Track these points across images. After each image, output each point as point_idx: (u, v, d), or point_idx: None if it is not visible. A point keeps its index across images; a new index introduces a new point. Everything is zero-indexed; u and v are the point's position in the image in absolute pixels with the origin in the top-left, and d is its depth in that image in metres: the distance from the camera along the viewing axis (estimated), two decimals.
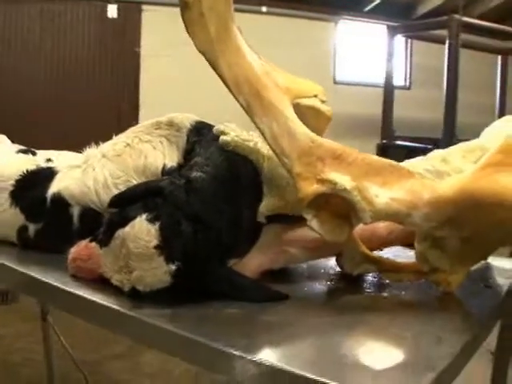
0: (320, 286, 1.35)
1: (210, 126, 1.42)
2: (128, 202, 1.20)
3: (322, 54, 8.52)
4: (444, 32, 6.52)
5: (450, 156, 1.42)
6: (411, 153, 6.43)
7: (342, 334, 1.09)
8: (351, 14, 8.75)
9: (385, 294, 1.31)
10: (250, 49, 1.20)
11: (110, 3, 7.05)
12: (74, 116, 6.96)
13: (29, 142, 1.79)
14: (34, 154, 1.69)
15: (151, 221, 1.14)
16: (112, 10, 7.07)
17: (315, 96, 1.36)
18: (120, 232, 1.16)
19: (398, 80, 8.54)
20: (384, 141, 7.23)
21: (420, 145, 6.84)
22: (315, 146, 1.14)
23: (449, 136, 6.39)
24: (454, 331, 1.11)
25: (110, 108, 7.27)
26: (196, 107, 6.88)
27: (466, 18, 6.19)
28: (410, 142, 7.12)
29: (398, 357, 1.03)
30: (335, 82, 8.55)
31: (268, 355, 0.96)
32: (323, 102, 1.38)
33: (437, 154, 1.46)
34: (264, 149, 1.31)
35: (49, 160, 1.62)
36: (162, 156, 1.40)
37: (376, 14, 8.73)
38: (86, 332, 3.79)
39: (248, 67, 1.16)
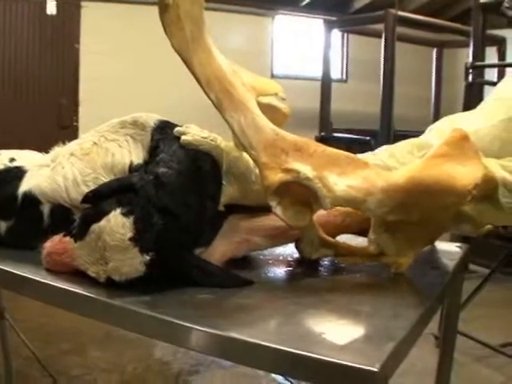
0: (281, 271, 1.45)
1: (172, 125, 1.50)
2: (101, 198, 1.28)
3: (259, 48, 8.60)
4: (380, 26, 6.66)
5: (397, 151, 1.53)
6: (349, 144, 6.60)
7: (308, 313, 1.20)
8: (288, 9, 8.85)
9: (342, 277, 1.42)
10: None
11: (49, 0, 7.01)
12: (15, 113, 6.90)
13: None
14: None
15: (125, 215, 1.22)
16: (51, 7, 7.02)
17: (276, 94, 1.46)
18: (95, 226, 1.23)
19: (335, 73, 8.68)
20: (322, 133, 7.34)
21: (358, 137, 6.97)
22: (279, 138, 1.24)
23: (386, 128, 6.53)
24: (407, 306, 1.22)
25: (51, 104, 7.24)
26: (134, 103, 6.94)
27: (401, 13, 6.33)
28: (348, 134, 7.25)
29: (360, 330, 1.13)
30: (273, 76, 8.63)
31: (245, 333, 1.05)
32: (283, 99, 1.48)
33: (384, 149, 1.57)
34: (223, 144, 1.41)
35: (12, 159, 1.66)
36: (129, 154, 1.47)
37: (313, 8, 8.86)
38: (33, 330, 3.84)
39: (218, 67, 1.25)
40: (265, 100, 1.43)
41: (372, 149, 5.07)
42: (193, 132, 1.41)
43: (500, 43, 7.53)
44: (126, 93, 7.38)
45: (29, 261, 1.41)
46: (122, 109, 6.74)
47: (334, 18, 8.38)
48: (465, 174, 1.21)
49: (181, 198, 1.28)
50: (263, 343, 1.00)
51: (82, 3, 7.26)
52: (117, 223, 1.21)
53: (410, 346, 1.10)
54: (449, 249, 1.69)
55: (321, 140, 6.94)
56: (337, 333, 1.11)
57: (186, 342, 1.11)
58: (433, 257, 1.61)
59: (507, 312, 4.71)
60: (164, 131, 1.48)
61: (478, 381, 3.57)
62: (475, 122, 1.55)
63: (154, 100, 7.43)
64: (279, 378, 3.58)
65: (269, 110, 1.39)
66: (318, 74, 8.00)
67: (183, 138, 1.40)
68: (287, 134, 1.26)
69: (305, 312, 1.20)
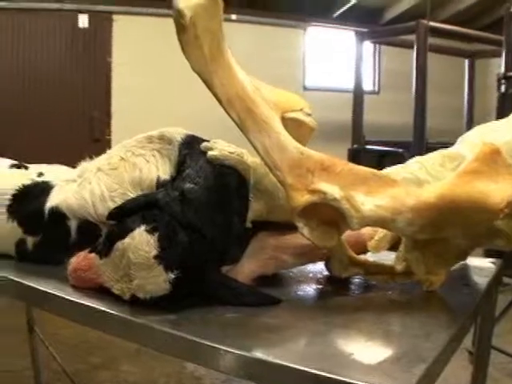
0: (310, 289, 1.43)
1: (199, 139, 1.49)
2: (126, 215, 1.27)
3: (291, 60, 8.59)
4: (411, 37, 6.61)
5: (428, 163, 1.50)
6: (382, 157, 6.55)
7: (336, 333, 1.17)
8: (320, 21, 8.84)
9: (372, 295, 1.40)
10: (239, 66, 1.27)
11: (81, 13, 7.08)
12: (48, 126, 6.97)
13: (3, 154, 1.84)
14: (26, 168, 1.75)
15: (150, 232, 1.21)
16: (83, 20, 7.09)
17: (301, 110, 1.44)
18: (120, 243, 1.23)
19: (367, 85, 8.64)
20: (355, 145, 7.29)
21: (391, 149, 6.90)
22: (305, 158, 1.22)
23: (419, 139, 6.45)
24: (439, 326, 1.20)
25: (83, 117, 7.29)
26: (166, 115, 6.94)
27: (433, 23, 6.27)
28: (381, 146, 7.18)
29: (391, 351, 1.10)
30: (305, 89, 8.61)
31: (270, 354, 1.03)
32: (309, 115, 1.46)
33: (415, 161, 1.54)
34: (249, 160, 1.39)
35: (41, 174, 1.67)
36: (156, 169, 1.46)
37: (344, 19, 8.84)
38: (63, 344, 3.85)
39: (239, 85, 1.23)
40: (291, 115, 1.42)
41: (405, 161, 4.98)
42: (220, 147, 1.39)
43: None
44: (157, 105, 7.42)
45: (55, 277, 1.42)
46: (154, 121, 6.76)
47: (365, 30, 8.35)
48: (496, 191, 1.17)
49: (207, 214, 1.27)
50: (288, 364, 0.99)
51: (114, 16, 7.31)
52: (141, 240, 1.20)
53: (442, 367, 1.07)
54: (481, 265, 1.65)
55: (353, 152, 6.89)
56: (365, 354, 1.08)
57: (209, 363, 1.10)
58: (465, 273, 1.57)
59: None
60: (191, 146, 1.47)
61: None
62: (507, 133, 1.51)
63: (184, 112, 7.48)
64: None
65: (294, 124, 1.38)
66: (350, 85, 7.95)
67: (210, 153, 1.38)
68: (313, 152, 1.24)
69: (333, 332, 1.18)
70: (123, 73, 7.37)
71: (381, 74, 9.56)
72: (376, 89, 9.57)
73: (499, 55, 5.98)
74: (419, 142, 6.45)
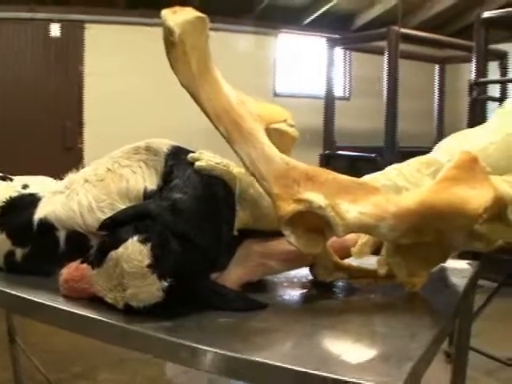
0: (296, 294, 1.47)
1: (184, 150, 1.53)
2: (118, 225, 1.30)
3: (262, 67, 8.64)
4: (382, 43, 6.68)
5: (405, 170, 1.56)
6: (354, 162, 6.62)
7: (324, 335, 1.23)
8: (291, 27, 8.91)
9: (356, 298, 1.45)
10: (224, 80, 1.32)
11: (53, 22, 7.07)
12: (20, 135, 6.94)
13: None
14: (11, 180, 1.76)
15: (143, 242, 1.24)
16: (55, 29, 7.08)
17: (285, 121, 1.49)
18: (113, 253, 1.26)
19: (338, 91, 8.71)
20: (326, 151, 7.34)
21: (363, 154, 6.97)
22: (290, 168, 1.26)
23: (391, 144, 6.52)
24: (423, 326, 1.25)
25: (56, 126, 7.27)
26: (138, 124, 6.94)
27: (404, 30, 6.36)
28: (352, 151, 7.25)
29: (377, 351, 1.15)
30: (275, 95, 8.67)
31: (262, 356, 1.08)
32: (292, 125, 1.52)
33: (393, 168, 1.60)
34: (235, 170, 1.44)
35: (26, 186, 1.69)
36: (142, 179, 1.49)
37: (315, 26, 8.92)
38: (44, 351, 3.85)
39: (225, 99, 1.28)
40: (274, 126, 1.47)
41: (378, 166, 5.09)
42: (206, 158, 1.43)
43: (502, 57, 7.56)
44: (129, 114, 7.43)
45: (44, 287, 1.44)
46: (126, 130, 6.77)
47: (336, 36, 8.43)
48: (475, 197, 1.23)
49: (197, 223, 1.30)
50: (281, 365, 1.04)
51: (86, 25, 7.31)
52: (134, 250, 1.23)
53: (427, 365, 1.13)
54: (459, 266, 1.71)
55: (325, 158, 6.95)
56: (354, 353, 1.14)
57: (205, 366, 1.13)
58: (444, 275, 1.63)
59: None
60: (177, 156, 1.51)
61: None
62: (482, 139, 1.58)
63: (158, 121, 7.49)
64: None
65: (277, 134, 1.43)
66: (321, 91, 8.01)
67: (197, 163, 1.42)
68: (298, 163, 1.28)
69: (320, 333, 1.23)
70: (95, 82, 7.37)
71: (351, 79, 9.66)
72: (346, 95, 9.66)
73: (469, 60, 6.10)
74: (391, 147, 6.52)
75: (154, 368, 3.98)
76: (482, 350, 3.60)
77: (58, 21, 7.10)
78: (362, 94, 9.17)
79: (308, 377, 1.01)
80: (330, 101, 7.72)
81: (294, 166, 1.27)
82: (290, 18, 8.70)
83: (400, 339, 1.17)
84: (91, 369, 3.94)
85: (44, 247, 1.54)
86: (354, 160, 6.82)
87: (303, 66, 9.41)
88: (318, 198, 1.22)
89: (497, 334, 4.14)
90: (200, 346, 1.11)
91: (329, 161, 7.00)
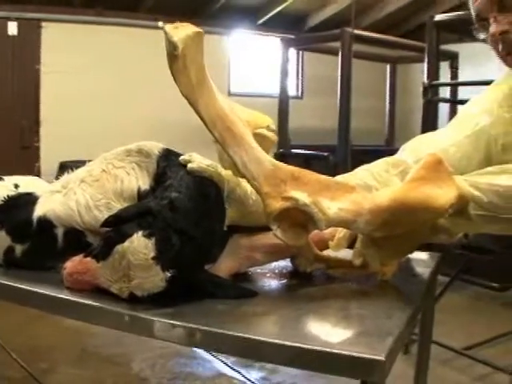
0: (279, 283, 1.62)
1: (174, 153, 1.65)
2: (122, 222, 1.43)
3: (216, 66, 8.72)
4: (335, 44, 6.80)
5: (374, 170, 1.71)
6: (308, 160, 6.78)
7: (311, 317, 1.40)
8: (245, 27, 9.02)
9: (334, 286, 1.61)
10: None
11: (11, 20, 7.07)
12: None
13: None
14: (1, 179, 1.85)
15: (147, 236, 1.37)
16: (12, 28, 7.09)
17: (268, 126, 1.65)
18: (119, 247, 1.38)
19: (291, 90, 8.85)
20: (281, 150, 7.46)
21: (317, 152, 7.11)
22: (278, 170, 1.41)
23: (344, 142, 6.66)
24: (397, 308, 1.41)
25: (13, 124, 7.29)
26: (95, 122, 6.98)
27: (357, 31, 6.51)
28: (306, 149, 7.39)
29: (360, 329, 1.30)
30: (230, 94, 8.75)
31: (266, 334, 1.25)
32: (272, 130, 1.67)
33: (362, 169, 1.75)
34: (223, 172, 1.58)
35: (17, 186, 1.79)
36: (136, 180, 1.61)
37: (269, 26, 9.07)
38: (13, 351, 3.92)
39: (219, 107, 1.41)
40: (257, 131, 1.61)
41: (330, 164, 5.29)
42: (197, 160, 1.57)
43: (453, 58, 7.80)
44: (86, 113, 7.46)
45: (46, 281, 1.54)
46: (83, 128, 6.80)
47: (291, 36, 8.58)
48: (441, 194, 1.40)
49: (194, 220, 1.44)
50: (285, 343, 1.19)
51: (43, 24, 7.32)
52: (140, 244, 1.36)
53: (403, 343, 1.29)
54: (423, 257, 1.90)
55: (280, 156, 7.06)
56: (339, 332, 1.30)
57: (217, 347, 1.30)
58: (410, 265, 1.81)
59: (467, 317, 4.97)
60: (168, 158, 1.62)
61: (445, 382, 3.80)
62: (444, 142, 1.74)
63: (113, 119, 7.56)
64: None
65: (258, 138, 1.56)
66: (275, 91, 8.14)
67: (189, 165, 1.55)
68: (283, 165, 1.42)
69: (306, 316, 1.39)
70: (52, 80, 7.39)
71: (303, 79, 9.83)
72: (299, 94, 9.83)
73: (420, 61, 6.31)
74: (344, 145, 6.66)
75: (117, 360, 4.09)
76: (437, 341, 3.81)
77: (16, 19, 7.11)
78: (314, 93, 9.35)
79: (304, 351, 1.16)
80: (284, 100, 7.83)
81: (281, 168, 1.41)
82: (244, 18, 8.81)
83: (378, 320, 1.33)
84: (58, 364, 4.02)
85: (43, 243, 1.64)
86: (308, 158, 6.98)
87: (257, 65, 9.54)
88: (302, 196, 1.36)
89: (450, 326, 4.32)
90: (203, 328, 1.27)
91: (284, 159, 7.07)
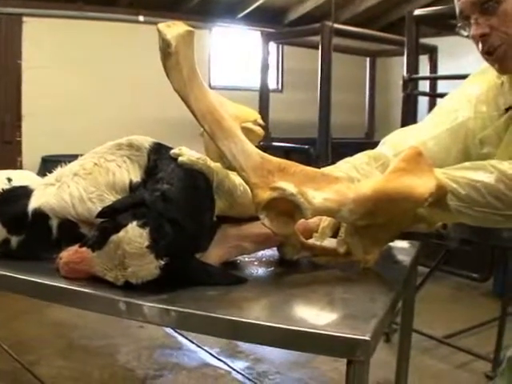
0: (267, 271, 1.69)
1: (164, 146, 1.71)
2: (116, 212, 1.49)
3: (197, 60, 8.75)
4: (316, 38, 6.83)
5: (356, 163, 1.78)
6: (288, 153, 6.83)
7: (298, 302, 1.47)
8: (225, 21, 9.05)
9: (320, 273, 1.68)
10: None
11: None
12: None
13: None
14: None
15: (141, 226, 1.43)
16: None
17: (255, 120, 1.72)
18: (114, 237, 1.44)
19: (271, 83, 8.89)
20: (262, 143, 7.49)
21: (297, 145, 7.17)
22: (265, 161, 1.47)
23: (324, 135, 6.70)
24: (380, 293, 1.49)
25: None
26: (77, 117, 6.98)
27: (337, 25, 6.55)
28: (286, 143, 7.44)
29: (346, 312, 1.37)
30: (210, 88, 8.75)
31: (256, 318, 1.32)
32: (259, 125, 1.74)
33: (344, 162, 1.82)
34: (212, 165, 1.64)
35: (10, 179, 1.85)
36: (127, 173, 1.67)
37: (249, 20, 9.10)
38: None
39: (209, 101, 1.47)
40: (244, 125, 1.68)
41: (311, 157, 5.37)
42: (187, 154, 1.63)
43: (432, 52, 7.89)
44: (68, 107, 7.45)
45: (42, 270, 1.60)
46: (65, 123, 6.80)
47: (271, 30, 8.62)
48: (421, 185, 1.47)
49: (185, 210, 1.50)
50: (276, 325, 1.26)
51: (24, 18, 7.31)
52: (134, 234, 1.43)
53: (385, 325, 1.37)
54: (403, 246, 1.98)
55: (261, 149, 7.10)
56: (326, 315, 1.37)
57: (210, 331, 1.37)
58: (392, 253, 1.89)
59: (448, 307, 5.07)
60: (159, 152, 1.69)
61: (426, 370, 3.90)
62: (423, 135, 1.81)
63: (96, 114, 7.57)
64: (240, 377, 3.81)
65: (245, 131, 1.63)
66: (254, 84, 8.18)
67: (180, 159, 1.61)
68: (271, 156, 1.49)
69: (294, 301, 1.46)
70: (34, 75, 7.38)
71: (283, 72, 9.88)
72: (279, 87, 9.88)
73: (399, 54, 6.38)
74: (324, 138, 6.70)
75: (103, 352, 4.14)
76: (419, 330, 3.90)
77: None
78: (294, 86, 9.40)
79: (295, 333, 1.23)
80: (264, 93, 7.85)
81: (269, 160, 1.48)
82: (225, 12, 8.84)
83: (363, 303, 1.41)
84: (45, 356, 4.07)
85: (38, 235, 1.70)
86: (288, 151, 7.03)
87: (238, 59, 9.58)
88: (289, 187, 1.43)
89: (431, 315, 4.42)
90: (197, 312, 1.34)
91: (265, 152, 7.14)
